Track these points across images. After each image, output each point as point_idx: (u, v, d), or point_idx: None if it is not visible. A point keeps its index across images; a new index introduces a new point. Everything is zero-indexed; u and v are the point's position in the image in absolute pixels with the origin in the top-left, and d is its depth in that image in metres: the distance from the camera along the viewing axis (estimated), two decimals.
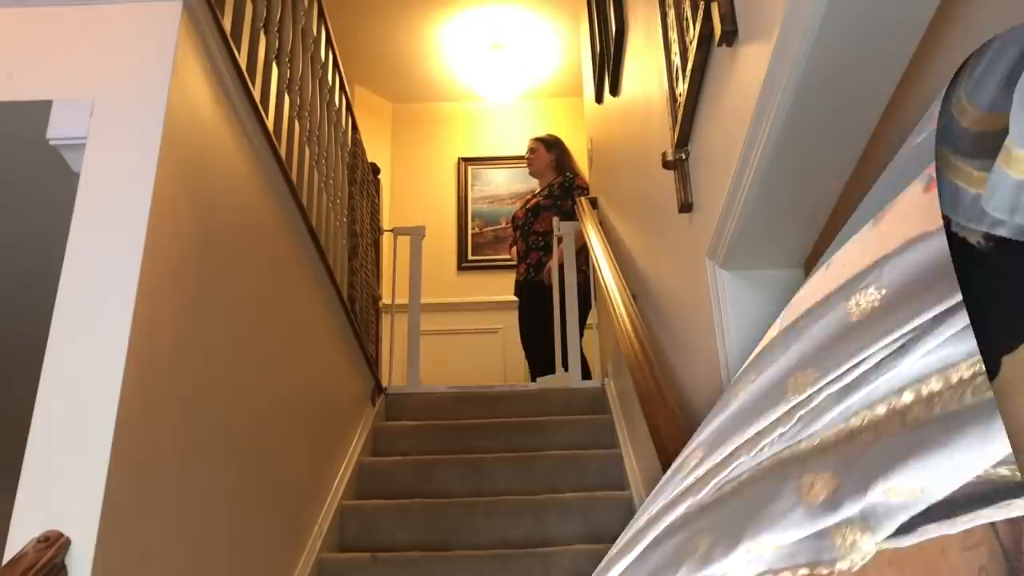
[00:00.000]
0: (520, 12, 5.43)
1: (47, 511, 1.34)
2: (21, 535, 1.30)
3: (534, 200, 4.72)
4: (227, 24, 1.94)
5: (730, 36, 1.38)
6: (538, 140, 4.88)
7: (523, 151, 5.85)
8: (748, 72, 1.30)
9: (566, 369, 4.14)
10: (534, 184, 5.04)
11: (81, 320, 1.46)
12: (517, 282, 4.69)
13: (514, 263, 4.84)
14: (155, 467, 1.55)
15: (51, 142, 1.59)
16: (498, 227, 5.88)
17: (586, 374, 4.15)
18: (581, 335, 4.21)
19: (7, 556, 1.27)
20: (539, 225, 4.56)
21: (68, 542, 1.31)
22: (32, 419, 1.39)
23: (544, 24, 5.55)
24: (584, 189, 4.54)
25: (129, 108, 1.61)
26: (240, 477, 2.04)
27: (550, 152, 4.79)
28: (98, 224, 1.52)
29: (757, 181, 1.29)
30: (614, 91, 3.39)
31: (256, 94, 2.14)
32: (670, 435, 1.67)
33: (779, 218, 1.38)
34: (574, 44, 5.67)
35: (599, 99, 4.06)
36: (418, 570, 2.64)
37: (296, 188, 2.51)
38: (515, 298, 4.78)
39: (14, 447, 1.44)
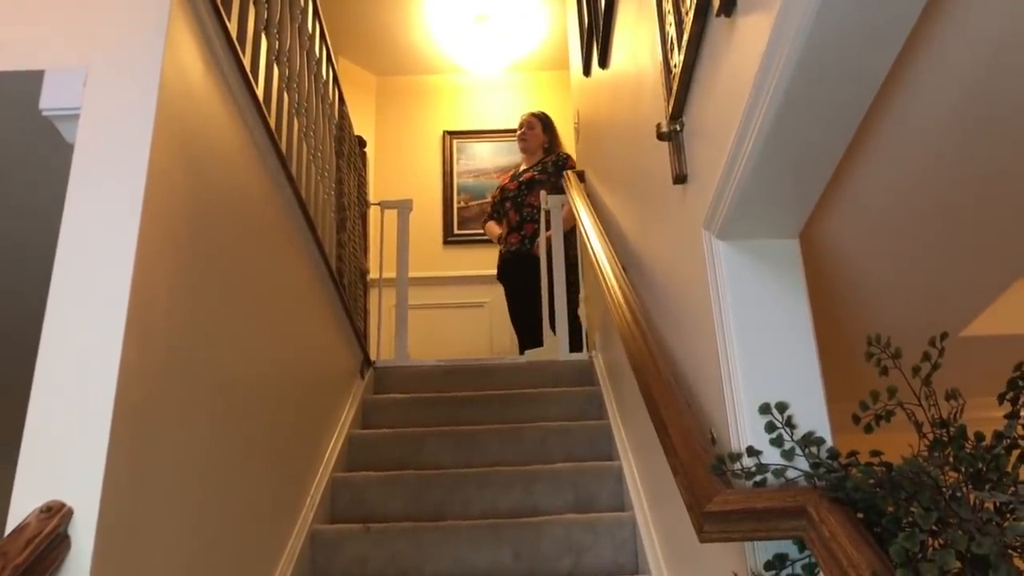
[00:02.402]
0: None
1: (49, 481, 1.34)
2: (23, 505, 1.31)
3: (528, 174, 4.76)
4: None
5: (728, 6, 1.38)
6: (536, 117, 4.93)
7: (509, 124, 5.83)
8: (747, 44, 1.30)
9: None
10: (519, 158, 5.05)
11: (79, 290, 1.45)
12: (508, 251, 4.69)
13: (488, 237, 4.92)
14: (153, 438, 1.56)
15: (44, 112, 1.58)
16: (484, 201, 5.86)
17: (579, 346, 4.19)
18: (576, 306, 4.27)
19: (10, 526, 1.28)
20: (533, 198, 4.62)
21: (70, 512, 1.32)
22: (32, 389, 1.39)
23: None
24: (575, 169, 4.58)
25: (123, 77, 1.60)
26: (235, 448, 2.04)
27: (546, 133, 4.89)
28: (94, 195, 1.51)
29: (755, 152, 1.30)
30: (603, 64, 3.39)
31: (246, 64, 2.12)
32: (665, 404, 1.69)
33: (776, 189, 1.39)
34: (560, 16, 5.64)
35: (587, 72, 4.05)
36: (410, 540, 2.66)
37: (286, 160, 2.50)
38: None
39: (14, 418, 1.44)
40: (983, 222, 1.96)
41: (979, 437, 1.23)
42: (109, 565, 1.35)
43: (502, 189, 4.88)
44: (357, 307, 3.84)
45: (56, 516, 1.29)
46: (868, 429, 1.34)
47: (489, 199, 5.21)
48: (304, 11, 3.03)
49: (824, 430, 1.41)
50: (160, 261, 1.59)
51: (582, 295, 4.30)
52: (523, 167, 4.89)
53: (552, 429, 3.32)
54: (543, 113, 5.00)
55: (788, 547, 1.31)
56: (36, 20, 1.66)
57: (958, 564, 1.04)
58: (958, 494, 1.13)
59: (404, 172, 6.00)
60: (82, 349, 1.41)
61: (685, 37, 1.66)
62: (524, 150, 4.93)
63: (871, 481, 1.20)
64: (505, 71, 6.17)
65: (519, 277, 4.58)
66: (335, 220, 3.49)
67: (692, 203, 1.73)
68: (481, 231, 5.63)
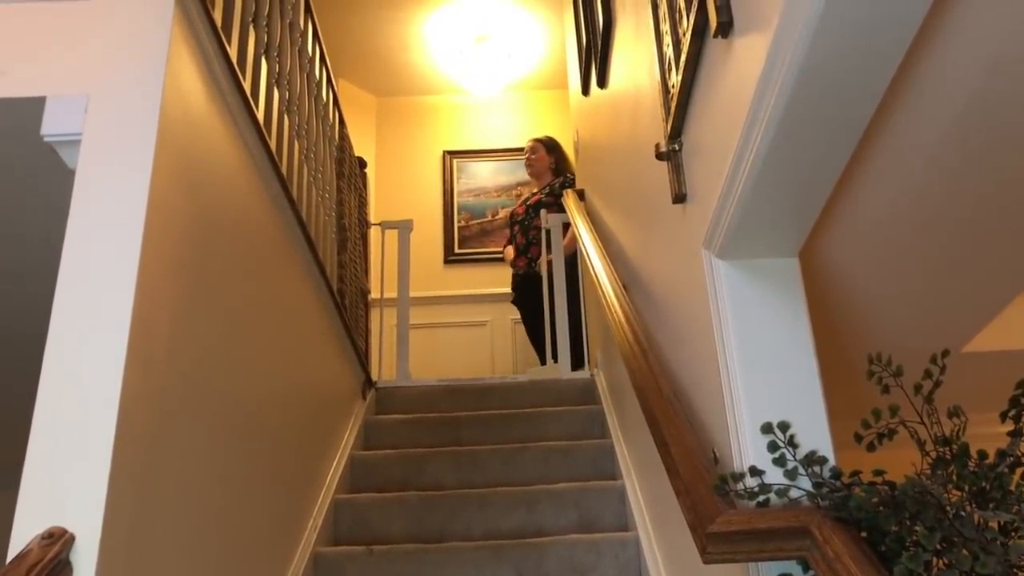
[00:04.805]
0: (504, 4, 5.43)
1: (50, 507, 1.34)
2: (25, 532, 1.31)
3: (535, 198, 4.84)
4: (217, 17, 1.94)
5: (725, 28, 1.39)
6: (539, 142, 5.01)
7: (509, 143, 5.87)
8: (744, 64, 1.31)
9: (556, 360, 4.16)
10: (519, 177, 5.10)
11: (81, 316, 1.45)
12: (517, 275, 4.75)
13: (502, 258, 4.91)
14: (155, 462, 1.56)
15: (46, 138, 1.58)
16: (484, 220, 5.88)
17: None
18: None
19: (11, 553, 1.27)
20: (540, 221, 4.66)
21: (72, 538, 1.31)
22: (33, 415, 1.39)
23: (528, 16, 5.55)
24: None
25: (124, 103, 1.60)
26: (236, 471, 2.04)
27: (550, 155, 4.97)
28: (95, 221, 1.52)
29: (754, 172, 1.31)
30: (601, 83, 3.40)
31: (247, 88, 2.13)
32: (666, 423, 1.68)
33: (775, 207, 1.40)
34: (559, 36, 5.67)
35: (586, 91, 4.07)
36: (413, 562, 2.65)
37: (287, 182, 2.51)
38: (505, 291, 4.80)
39: (16, 443, 1.44)
40: (984, 237, 1.96)
41: (982, 455, 1.23)
42: None
43: (512, 215, 4.95)
44: (358, 327, 3.85)
45: (58, 542, 1.29)
46: (871, 448, 1.34)
47: (490, 218, 5.23)
48: (304, 34, 3.06)
49: (826, 448, 1.41)
50: (162, 285, 1.59)
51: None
52: (533, 191, 4.94)
53: (554, 448, 3.31)
54: (546, 136, 5.08)
55: (792, 568, 1.30)
56: (37, 47, 1.67)
57: None
58: (962, 513, 1.13)
59: (405, 192, 6.01)
60: (84, 374, 1.41)
61: (683, 58, 1.66)
62: (533, 175, 5.01)
63: (874, 500, 1.19)
64: (504, 91, 6.19)
65: (531, 297, 4.61)
66: (336, 241, 3.50)
67: (692, 222, 1.74)
68: (481, 249, 5.62)
